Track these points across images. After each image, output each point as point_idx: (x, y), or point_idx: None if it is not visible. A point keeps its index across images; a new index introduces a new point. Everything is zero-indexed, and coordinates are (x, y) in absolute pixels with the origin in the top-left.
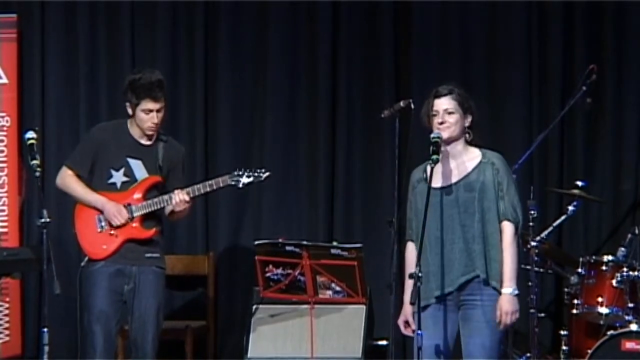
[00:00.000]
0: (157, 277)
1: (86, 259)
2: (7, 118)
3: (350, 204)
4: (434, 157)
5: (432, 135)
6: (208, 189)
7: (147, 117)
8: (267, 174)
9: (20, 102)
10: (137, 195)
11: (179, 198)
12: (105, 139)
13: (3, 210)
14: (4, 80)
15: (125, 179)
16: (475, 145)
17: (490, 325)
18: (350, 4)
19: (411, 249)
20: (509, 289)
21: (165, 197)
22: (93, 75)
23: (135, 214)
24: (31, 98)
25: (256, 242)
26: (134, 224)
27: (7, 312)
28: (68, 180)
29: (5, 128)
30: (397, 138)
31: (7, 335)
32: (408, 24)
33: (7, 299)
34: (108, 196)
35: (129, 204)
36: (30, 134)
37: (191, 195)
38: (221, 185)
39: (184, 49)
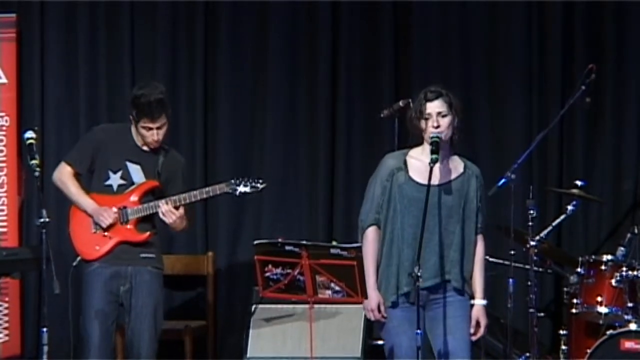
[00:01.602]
0: (153, 277)
1: (78, 259)
2: (6, 118)
3: (350, 204)
4: (434, 156)
5: (431, 135)
6: (205, 196)
7: (147, 133)
8: (264, 184)
9: (20, 102)
10: (134, 199)
11: (165, 209)
12: (106, 140)
13: (2, 210)
14: (4, 80)
15: (122, 182)
16: (455, 153)
17: (467, 321)
18: (350, 4)
19: (375, 235)
20: (483, 300)
21: (161, 202)
22: (93, 75)
23: (130, 217)
24: (31, 98)
25: (255, 242)
26: (128, 226)
27: (6, 312)
28: (65, 177)
29: (4, 128)
30: (397, 138)
31: (6, 335)
32: (408, 24)
33: (7, 299)
34: (104, 198)
35: (125, 207)
36: (30, 134)
37: (178, 204)
38: (218, 192)
39: (184, 49)
